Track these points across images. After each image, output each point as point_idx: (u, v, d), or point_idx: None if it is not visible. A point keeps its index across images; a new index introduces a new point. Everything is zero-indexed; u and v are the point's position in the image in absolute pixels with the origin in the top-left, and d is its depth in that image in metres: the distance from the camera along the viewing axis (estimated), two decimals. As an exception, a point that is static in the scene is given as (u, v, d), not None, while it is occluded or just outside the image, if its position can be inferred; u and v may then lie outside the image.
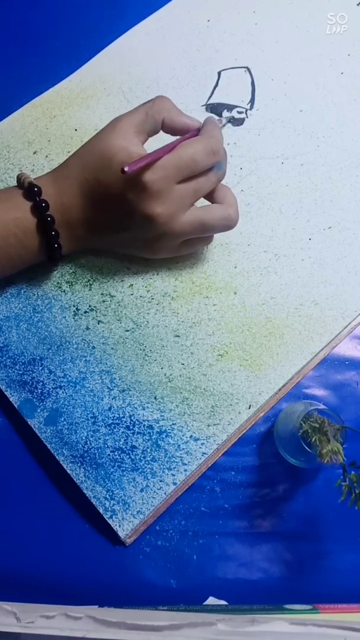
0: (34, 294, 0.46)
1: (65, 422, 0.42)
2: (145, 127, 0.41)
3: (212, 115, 0.43)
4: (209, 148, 0.40)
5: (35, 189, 0.40)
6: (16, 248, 0.41)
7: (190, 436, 0.41)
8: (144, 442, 0.41)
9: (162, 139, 0.42)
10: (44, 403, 0.43)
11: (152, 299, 0.45)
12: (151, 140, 0.42)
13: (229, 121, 0.51)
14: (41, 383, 0.43)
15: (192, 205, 0.41)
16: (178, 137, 0.41)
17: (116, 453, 0.41)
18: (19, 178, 0.42)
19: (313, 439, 0.36)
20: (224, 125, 0.50)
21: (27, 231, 0.40)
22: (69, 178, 0.41)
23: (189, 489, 0.41)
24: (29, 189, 0.40)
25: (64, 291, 0.46)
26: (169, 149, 0.39)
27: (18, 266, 0.43)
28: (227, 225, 0.42)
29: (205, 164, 0.40)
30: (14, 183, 0.43)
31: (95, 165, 0.40)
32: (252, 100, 0.52)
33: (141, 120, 0.41)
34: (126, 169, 0.36)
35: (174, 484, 0.40)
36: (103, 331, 0.44)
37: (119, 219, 0.41)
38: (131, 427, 0.42)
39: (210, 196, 0.43)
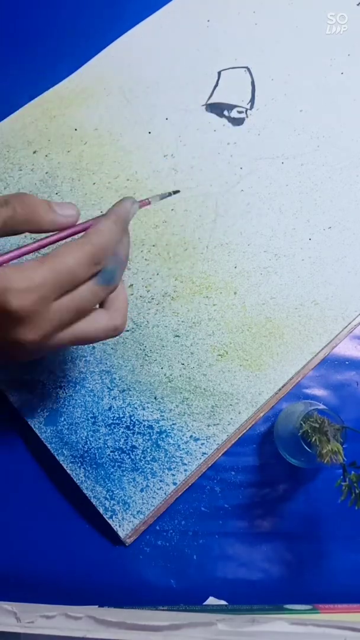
0: (34, 294, 0.45)
1: (65, 422, 0.42)
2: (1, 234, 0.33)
3: (128, 198, 0.35)
4: (90, 256, 0.31)
5: None
6: None
7: (190, 436, 0.41)
8: (144, 442, 0.41)
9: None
10: (44, 403, 0.43)
11: (152, 299, 0.45)
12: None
13: (162, 198, 0.39)
14: (41, 383, 0.43)
15: (70, 326, 0.33)
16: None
17: (116, 453, 0.41)
18: None
19: (313, 439, 0.36)
20: (163, 198, 0.40)
21: None
22: None
23: (189, 489, 0.41)
24: None
25: (64, 291, 0.46)
26: (34, 247, 0.33)
27: None
28: (112, 336, 0.35)
29: (86, 275, 0.32)
30: (14, 182, 0.42)
31: None
32: (252, 100, 0.52)
33: None
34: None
35: (174, 484, 0.40)
36: (103, 331, 0.44)
37: None
38: (131, 427, 0.42)
39: None
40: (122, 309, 0.35)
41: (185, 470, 0.41)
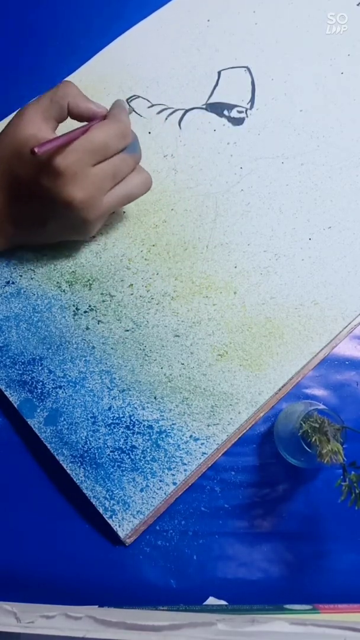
0: (34, 294, 0.46)
1: (65, 422, 0.42)
2: (51, 113, 0.41)
3: (120, 99, 0.43)
4: (118, 131, 0.40)
5: None
6: None
7: (190, 436, 0.41)
8: (144, 442, 0.41)
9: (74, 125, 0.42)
10: (44, 403, 0.43)
11: (152, 298, 0.45)
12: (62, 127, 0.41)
13: (134, 110, 0.51)
14: (41, 383, 0.43)
15: (111, 189, 0.41)
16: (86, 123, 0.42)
17: (116, 453, 0.41)
18: None
19: (313, 439, 0.36)
20: (130, 112, 0.50)
21: None
22: None
23: (189, 489, 0.41)
24: None
25: (64, 291, 0.46)
26: (79, 132, 0.39)
27: None
28: (147, 187, 0.44)
29: (117, 147, 0.40)
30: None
31: (8, 158, 0.40)
32: (252, 100, 0.52)
33: (46, 106, 0.40)
34: (36, 149, 0.36)
35: (174, 484, 0.40)
36: (103, 331, 0.44)
37: (40, 210, 0.41)
38: (131, 427, 0.42)
39: None
40: (145, 170, 0.44)
41: (185, 470, 0.41)
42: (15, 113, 0.41)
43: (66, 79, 0.53)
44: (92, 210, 0.40)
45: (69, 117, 0.42)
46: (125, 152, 0.41)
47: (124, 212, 0.48)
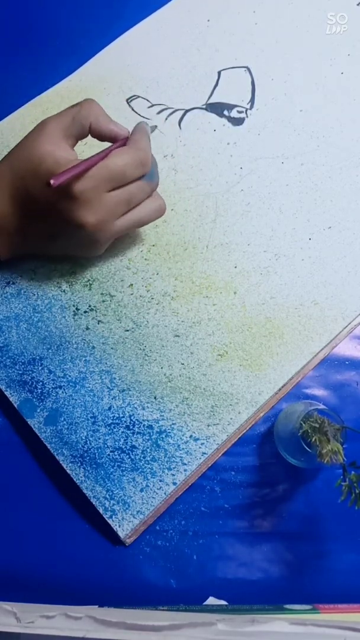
0: (34, 294, 0.46)
1: (65, 422, 0.42)
2: (72, 131, 0.40)
3: (143, 120, 0.43)
4: (137, 160, 0.39)
5: None
6: None
7: (190, 436, 0.41)
8: (144, 442, 0.41)
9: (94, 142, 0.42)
10: (44, 403, 0.43)
11: (152, 298, 0.45)
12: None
13: (157, 128, 0.50)
14: (41, 383, 0.43)
15: (124, 214, 0.41)
16: (106, 144, 0.41)
17: (116, 453, 0.41)
18: None
19: (313, 439, 0.36)
20: (152, 131, 0.48)
21: None
22: (0, 186, 0.41)
23: (189, 489, 0.41)
24: None
25: (64, 291, 0.46)
26: (98, 158, 0.38)
27: None
28: (160, 214, 0.44)
29: (134, 176, 0.40)
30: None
31: (24, 172, 0.40)
32: (252, 100, 0.52)
33: (67, 124, 0.40)
34: (52, 181, 0.35)
35: (174, 484, 0.40)
36: (103, 331, 0.44)
37: (52, 227, 0.41)
38: (131, 427, 0.42)
39: None
40: (160, 197, 0.44)
41: (185, 470, 0.41)
42: (38, 124, 0.41)
43: (66, 79, 0.53)
44: (102, 233, 0.41)
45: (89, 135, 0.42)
46: (143, 180, 0.41)
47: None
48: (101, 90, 0.53)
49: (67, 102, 0.52)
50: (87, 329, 0.44)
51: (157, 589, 0.40)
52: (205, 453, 0.41)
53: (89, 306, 0.45)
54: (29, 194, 0.40)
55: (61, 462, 0.41)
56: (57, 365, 0.43)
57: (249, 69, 0.53)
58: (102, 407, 0.42)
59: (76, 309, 0.45)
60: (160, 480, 0.40)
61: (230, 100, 0.52)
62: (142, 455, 0.41)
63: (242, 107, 0.52)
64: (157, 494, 0.40)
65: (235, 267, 0.46)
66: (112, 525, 0.39)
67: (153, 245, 0.47)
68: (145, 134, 0.42)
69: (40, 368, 0.43)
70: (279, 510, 0.41)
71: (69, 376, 0.43)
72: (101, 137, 0.42)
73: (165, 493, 0.40)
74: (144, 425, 0.42)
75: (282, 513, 0.41)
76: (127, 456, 0.41)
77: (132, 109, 0.52)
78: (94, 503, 0.40)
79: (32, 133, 0.41)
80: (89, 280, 0.46)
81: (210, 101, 0.52)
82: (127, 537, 0.40)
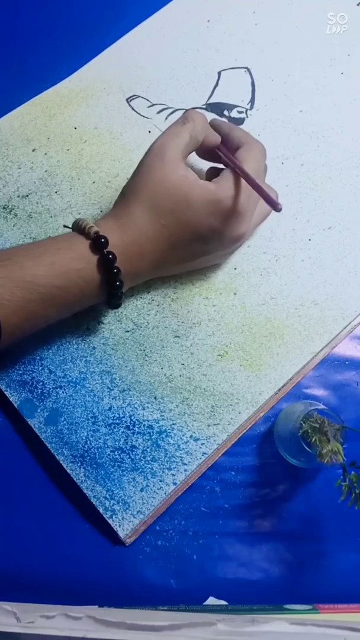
0: (34, 294, 0.45)
1: (65, 422, 0.42)
2: (189, 149, 0.40)
3: (215, 117, 0.43)
4: (263, 152, 0.41)
5: (102, 240, 0.38)
6: (76, 296, 0.39)
7: (190, 436, 0.41)
8: (144, 442, 0.41)
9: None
10: (44, 403, 0.43)
11: (152, 300, 0.45)
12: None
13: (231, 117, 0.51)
14: (41, 383, 0.43)
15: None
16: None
17: (116, 453, 0.41)
18: (79, 225, 0.39)
19: (313, 439, 0.36)
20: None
21: (91, 282, 0.38)
22: (138, 227, 0.39)
23: (189, 489, 0.41)
24: (95, 241, 0.38)
25: (64, 291, 0.46)
26: (240, 169, 0.39)
27: (74, 310, 0.41)
28: (265, 216, 0.45)
29: (264, 169, 0.42)
30: (13, 180, 0.42)
31: (171, 209, 0.39)
32: (252, 100, 0.52)
33: (186, 143, 0.40)
34: (279, 207, 0.36)
35: (174, 484, 0.40)
36: (103, 332, 0.44)
37: (199, 249, 0.41)
38: (131, 427, 0.42)
39: None
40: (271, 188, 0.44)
41: (185, 470, 0.41)
42: (152, 151, 0.39)
43: (66, 79, 0.53)
44: (247, 237, 0.43)
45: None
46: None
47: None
48: (101, 90, 0.53)
49: (67, 101, 0.52)
50: (88, 329, 0.44)
51: (157, 589, 0.40)
52: (205, 453, 0.41)
53: (89, 307, 0.45)
54: (182, 227, 0.39)
55: (61, 462, 0.41)
56: (57, 365, 0.43)
57: (249, 70, 0.53)
58: (103, 407, 0.42)
59: (76, 309, 0.45)
60: (161, 480, 0.40)
61: (230, 101, 0.52)
62: (142, 455, 0.41)
63: (242, 107, 0.52)
64: (157, 494, 0.40)
65: (235, 268, 0.46)
66: (112, 525, 0.40)
67: (153, 246, 0.47)
68: (243, 130, 0.43)
69: (40, 368, 0.43)
70: (279, 510, 0.41)
71: (70, 376, 0.43)
72: (208, 148, 0.42)
73: (165, 493, 0.40)
74: (144, 425, 0.42)
75: (282, 513, 0.41)
76: (127, 456, 0.41)
77: (132, 109, 0.52)
78: (94, 503, 0.40)
79: (154, 163, 0.39)
80: (89, 280, 0.46)
81: (211, 101, 0.52)
82: (127, 537, 0.40)
